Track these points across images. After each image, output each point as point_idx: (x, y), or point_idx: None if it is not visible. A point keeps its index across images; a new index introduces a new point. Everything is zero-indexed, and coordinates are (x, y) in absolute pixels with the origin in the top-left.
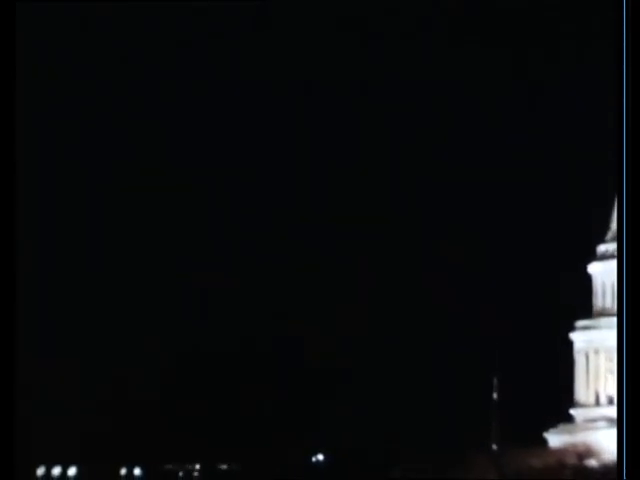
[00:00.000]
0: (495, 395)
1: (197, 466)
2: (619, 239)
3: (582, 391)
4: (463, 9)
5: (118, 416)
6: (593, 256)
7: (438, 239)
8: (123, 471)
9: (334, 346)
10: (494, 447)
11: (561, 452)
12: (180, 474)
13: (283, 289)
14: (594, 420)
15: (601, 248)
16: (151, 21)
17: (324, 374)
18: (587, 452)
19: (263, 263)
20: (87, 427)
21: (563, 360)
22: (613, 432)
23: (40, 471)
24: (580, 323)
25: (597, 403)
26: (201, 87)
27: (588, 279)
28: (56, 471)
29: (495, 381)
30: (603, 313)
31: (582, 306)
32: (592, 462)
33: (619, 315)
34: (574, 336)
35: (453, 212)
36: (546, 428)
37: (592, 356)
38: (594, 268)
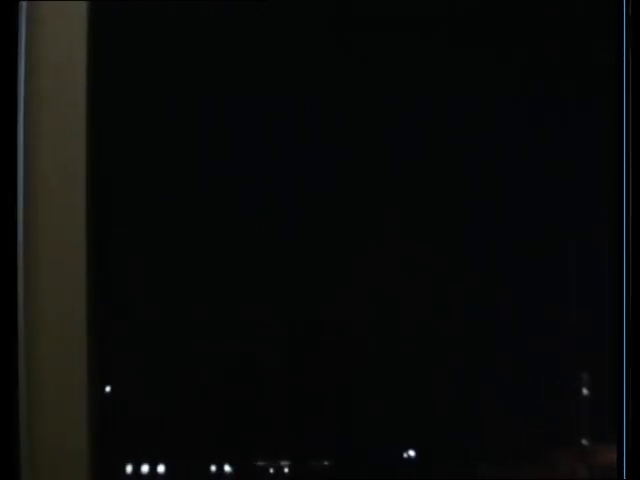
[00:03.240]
0: (585, 389)
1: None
2: (619, 236)
3: None
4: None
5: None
6: None
7: (439, 237)
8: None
9: (414, 339)
10: (583, 442)
11: None
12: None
13: (285, 288)
14: None
15: None
16: (151, 20)
17: (404, 369)
18: None
19: (262, 263)
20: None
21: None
22: None
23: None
24: None
25: None
26: (201, 86)
27: None
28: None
29: (585, 376)
30: None
31: None
32: None
33: (619, 311)
34: None
35: (454, 210)
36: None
37: None
38: None
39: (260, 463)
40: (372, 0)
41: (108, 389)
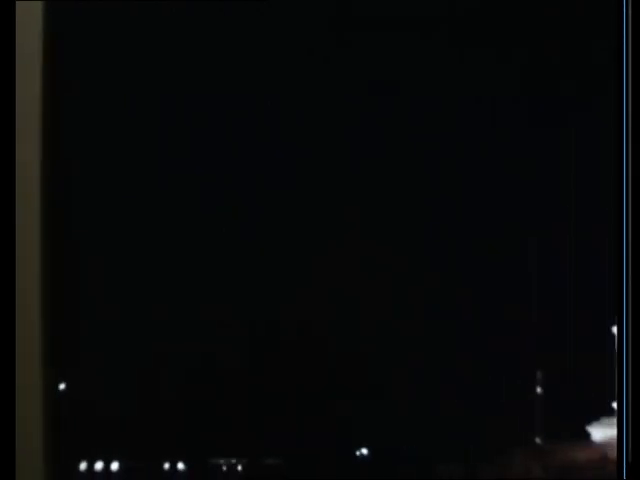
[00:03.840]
0: (539, 389)
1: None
2: (619, 238)
3: None
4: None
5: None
6: None
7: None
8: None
9: (369, 340)
10: (537, 441)
11: (604, 446)
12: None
13: (296, 285)
14: None
15: None
16: (151, 20)
17: (360, 369)
18: None
19: (222, 264)
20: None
21: (606, 353)
22: None
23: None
24: None
25: None
26: (200, 86)
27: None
28: None
29: (539, 375)
30: None
31: None
32: None
33: (619, 310)
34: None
35: (448, 210)
36: (589, 422)
37: None
38: None
39: (213, 461)
40: (372, 0)
41: (64, 388)
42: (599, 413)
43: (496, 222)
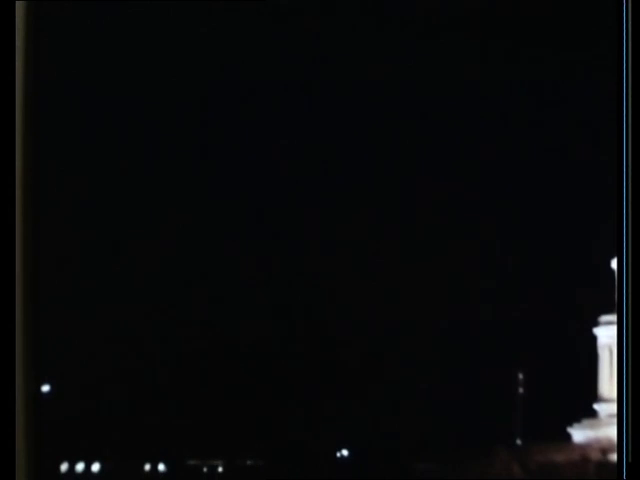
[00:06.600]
0: (520, 390)
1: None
2: (619, 238)
3: (605, 386)
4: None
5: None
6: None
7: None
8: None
9: (350, 342)
10: (518, 442)
11: (585, 447)
12: (204, 470)
13: (302, 286)
14: None
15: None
16: (151, 21)
17: (340, 371)
18: (611, 447)
19: (264, 262)
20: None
21: (587, 355)
22: None
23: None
24: (604, 318)
25: None
26: (201, 86)
27: (612, 273)
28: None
29: (520, 376)
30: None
31: (606, 301)
32: (615, 457)
33: (619, 310)
34: (598, 331)
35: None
36: (570, 423)
37: (616, 351)
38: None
39: (194, 462)
40: (374, 1)
41: (47, 389)
42: (580, 415)
43: (496, 222)
